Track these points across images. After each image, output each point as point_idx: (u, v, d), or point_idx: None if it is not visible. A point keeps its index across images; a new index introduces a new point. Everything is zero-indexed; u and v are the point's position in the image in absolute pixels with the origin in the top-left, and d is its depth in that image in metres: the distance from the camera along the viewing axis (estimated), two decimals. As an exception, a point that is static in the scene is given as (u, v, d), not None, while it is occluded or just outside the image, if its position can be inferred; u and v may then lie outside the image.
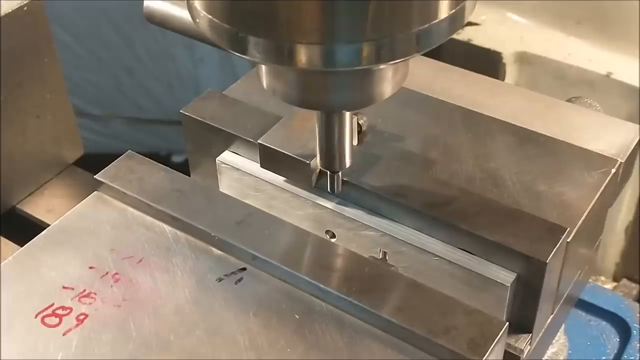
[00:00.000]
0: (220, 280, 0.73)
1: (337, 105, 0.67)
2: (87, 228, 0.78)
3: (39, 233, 0.78)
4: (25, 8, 1.15)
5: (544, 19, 1.55)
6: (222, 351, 0.67)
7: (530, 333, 0.75)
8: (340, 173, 0.75)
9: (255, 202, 0.82)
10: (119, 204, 0.80)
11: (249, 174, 0.83)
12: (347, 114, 0.70)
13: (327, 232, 0.80)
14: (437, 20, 0.57)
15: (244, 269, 0.74)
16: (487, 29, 1.58)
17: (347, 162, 0.73)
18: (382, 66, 0.62)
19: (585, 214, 0.77)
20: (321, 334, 0.68)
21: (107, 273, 0.73)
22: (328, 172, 0.75)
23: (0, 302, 0.71)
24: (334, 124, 0.70)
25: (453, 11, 0.58)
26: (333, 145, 0.71)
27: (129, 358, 0.67)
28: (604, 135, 0.86)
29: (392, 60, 0.59)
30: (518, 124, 0.87)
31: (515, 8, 1.58)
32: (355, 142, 0.82)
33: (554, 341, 0.97)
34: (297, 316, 0.70)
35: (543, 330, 0.79)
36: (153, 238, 0.77)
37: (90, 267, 0.74)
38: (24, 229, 1.13)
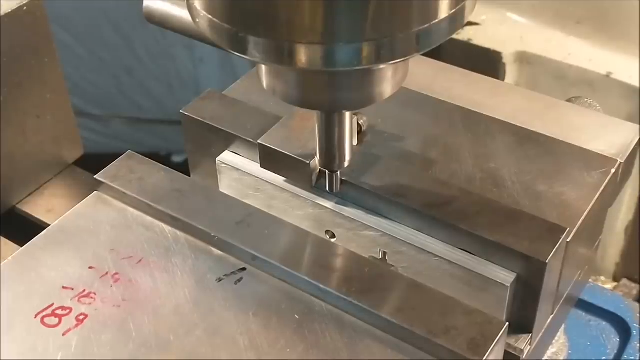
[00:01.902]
0: (220, 280, 0.73)
1: (337, 105, 0.67)
2: (87, 228, 0.78)
3: (39, 233, 0.78)
4: (25, 8, 1.15)
5: (544, 19, 1.55)
6: (222, 351, 0.67)
7: (530, 333, 0.75)
8: (339, 173, 0.75)
9: (255, 202, 0.82)
10: (119, 204, 0.80)
11: (249, 174, 0.83)
12: (347, 114, 0.70)
13: (327, 232, 0.80)
14: (437, 20, 0.57)
15: (244, 269, 0.74)
16: (487, 29, 1.58)
17: (347, 162, 0.73)
18: (382, 66, 0.62)
19: (585, 214, 0.77)
20: (321, 334, 0.68)
21: (106, 273, 0.73)
22: (327, 172, 0.75)
23: (0, 302, 0.71)
24: (334, 124, 0.70)
25: (453, 11, 0.58)
26: (333, 145, 0.71)
27: (128, 358, 0.67)
28: (604, 135, 0.86)
29: (392, 60, 0.59)
30: (518, 124, 0.87)
31: (515, 8, 1.58)
32: (355, 142, 0.82)
33: (554, 341, 0.97)
34: (297, 316, 0.70)
35: (543, 330, 0.79)
36: (153, 238, 0.77)
37: (90, 267, 0.74)
38: (24, 229, 1.13)
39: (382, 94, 0.66)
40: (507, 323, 0.67)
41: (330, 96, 0.65)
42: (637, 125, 0.87)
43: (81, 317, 0.70)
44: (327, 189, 0.77)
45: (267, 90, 0.67)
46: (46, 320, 0.70)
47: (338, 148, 0.72)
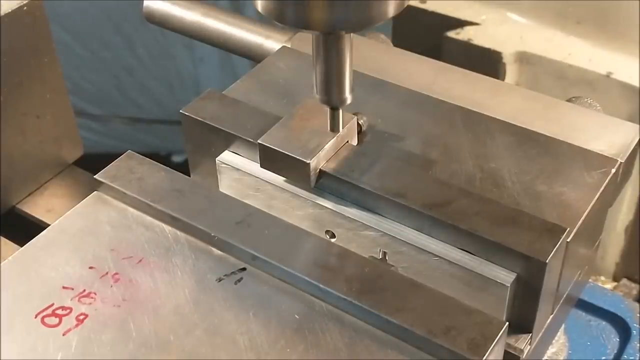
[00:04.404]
0: (220, 280, 0.73)
1: (336, 22, 0.62)
2: (87, 228, 0.78)
3: (39, 233, 0.78)
4: (25, 8, 1.16)
5: (544, 19, 1.55)
6: (222, 351, 0.67)
7: (530, 333, 0.75)
8: (340, 111, 0.72)
9: (255, 202, 0.82)
10: (119, 204, 0.80)
11: (249, 174, 0.83)
12: (347, 41, 0.66)
13: (327, 232, 0.80)
14: None
15: (244, 269, 0.74)
16: (487, 29, 1.58)
17: (348, 99, 0.70)
18: None
19: (585, 214, 0.77)
20: (321, 334, 0.68)
21: (106, 273, 0.73)
22: (328, 110, 0.71)
23: (0, 302, 0.71)
24: (333, 48, 0.66)
25: None
26: (332, 74, 0.67)
27: (128, 358, 0.67)
28: (604, 135, 0.86)
29: None
30: (518, 124, 0.87)
31: (515, 8, 1.58)
32: (355, 142, 0.82)
33: (554, 341, 0.97)
34: (297, 316, 0.70)
35: (543, 330, 0.79)
36: (153, 238, 0.77)
37: (90, 267, 0.74)
38: (24, 229, 1.13)
39: (383, 12, 0.62)
40: (507, 323, 0.67)
41: (328, 12, 0.61)
42: (637, 125, 0.87)
43: (81, 317, 0.70)
44: (329, 128, 0.73)
45: (263, 11, 0.63)
46: (46, 320, 0.70)
47: (337, 78, 0.67)
